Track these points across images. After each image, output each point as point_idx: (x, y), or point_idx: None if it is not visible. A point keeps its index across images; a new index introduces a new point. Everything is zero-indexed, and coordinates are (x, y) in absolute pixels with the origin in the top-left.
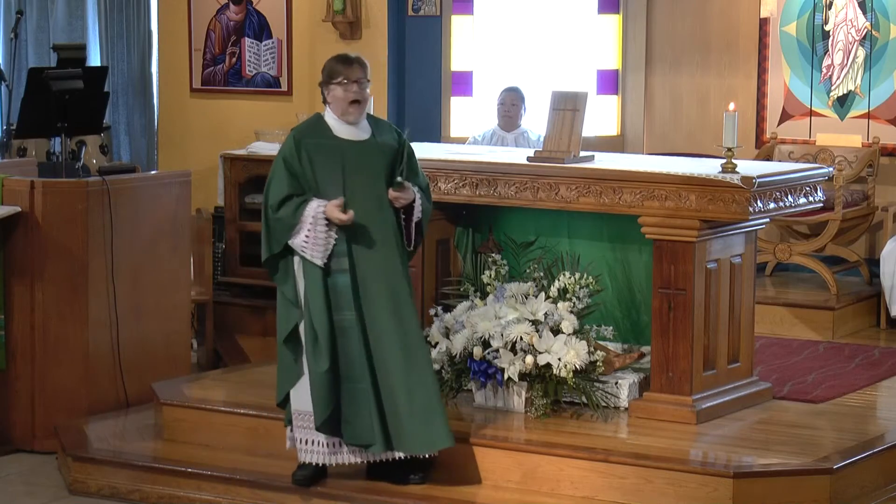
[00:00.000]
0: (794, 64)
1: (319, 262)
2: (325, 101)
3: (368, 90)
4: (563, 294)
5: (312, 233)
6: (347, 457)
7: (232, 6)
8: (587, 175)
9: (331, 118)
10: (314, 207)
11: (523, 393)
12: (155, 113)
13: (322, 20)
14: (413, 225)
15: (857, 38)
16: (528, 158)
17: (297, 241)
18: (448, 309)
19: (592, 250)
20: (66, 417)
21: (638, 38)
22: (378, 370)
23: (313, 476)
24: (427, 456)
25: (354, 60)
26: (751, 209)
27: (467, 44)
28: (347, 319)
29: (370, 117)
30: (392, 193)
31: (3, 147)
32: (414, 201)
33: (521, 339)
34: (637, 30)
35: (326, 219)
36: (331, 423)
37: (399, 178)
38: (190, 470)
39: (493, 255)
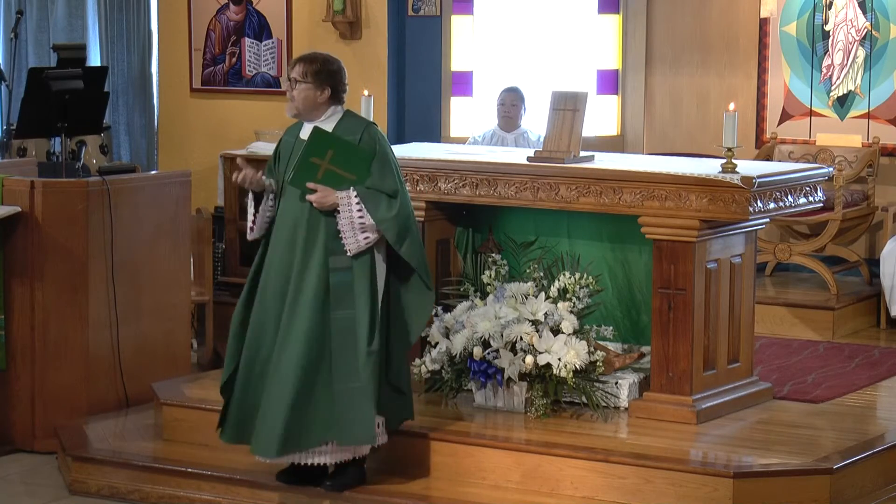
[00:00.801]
0: (794, 64)
1: (251, 234)
2: None
3: (305, 88)
4: (563, 294)
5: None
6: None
7: (232, 6)
8: (587, 175)
9: None
10: None
11: (523, 393)
12: (155, 113)
13: (322, 20)
14: (344, 228)
15: (857, 38)
16: (528, 158)
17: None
18: (448, 309)
19: (592, 250)
20: (66, 417)
21: (638, 38)
22: (250, 365)
23: (288, 473)
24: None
25: (297, 60)
26: (751, 209)
27: (467, 44)
28: (252, 312)
29: (349, 116)
30: (307, 196)
31: (3, 147)
32: (339, 204)
33: (521, 339)
34: (637, 30)
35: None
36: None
37: (287, 178)
38: (190, 470)
39: (493, 255)
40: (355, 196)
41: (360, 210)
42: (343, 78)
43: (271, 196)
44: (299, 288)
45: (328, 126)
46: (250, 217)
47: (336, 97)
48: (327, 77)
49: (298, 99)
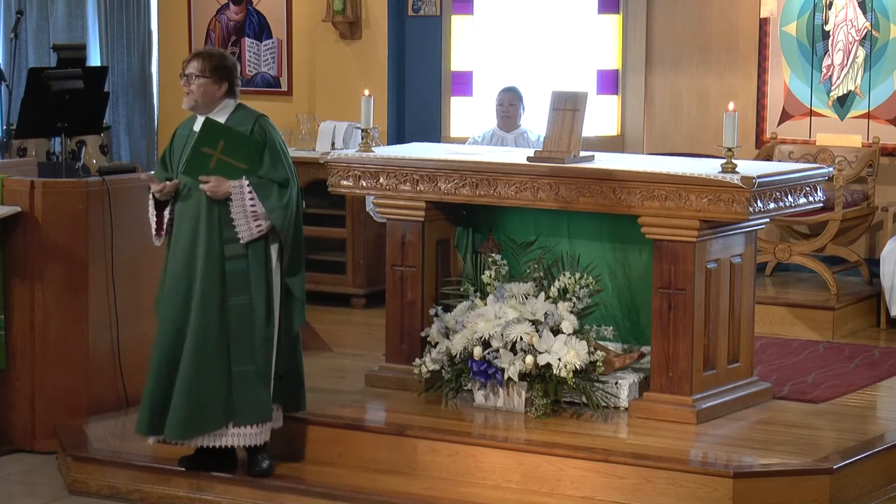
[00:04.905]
0: (794, 64)
1: (154, 241)
2: None
3: (204, 83)
4: (563, 294)
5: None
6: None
7: (232, 6)
8: (587, 175)
9: None
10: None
11: (523, 393)
12: (155, 113)
13: (322, 20)
14: (236, 217)
15: (857, 38)
16: (528, 158)
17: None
18: (448, 309)
19: (592, 250)
20: (66, 417)
21: (638, 38)
22: (153, 354)
23: (192, 459)
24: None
25: (193, 56)
26: (751, 209)
27: (467, 44)
28: (161, 306)
29: (241, 108)
30: (201, 185)
31: (3, 147)
32: (232, 193)
33: (521, 339)
34: (637, 30)
35: (153, 197)
36: None
37: (181, 169)
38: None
39: (493, 255)
40: (248, 185)
41: (252, 198)
42: (238, 73)
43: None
44: (198, 277)
45: (220, 118)
46: (154, 224)
47: (231, 91)
48: (225, 73)
49: (197, 93)
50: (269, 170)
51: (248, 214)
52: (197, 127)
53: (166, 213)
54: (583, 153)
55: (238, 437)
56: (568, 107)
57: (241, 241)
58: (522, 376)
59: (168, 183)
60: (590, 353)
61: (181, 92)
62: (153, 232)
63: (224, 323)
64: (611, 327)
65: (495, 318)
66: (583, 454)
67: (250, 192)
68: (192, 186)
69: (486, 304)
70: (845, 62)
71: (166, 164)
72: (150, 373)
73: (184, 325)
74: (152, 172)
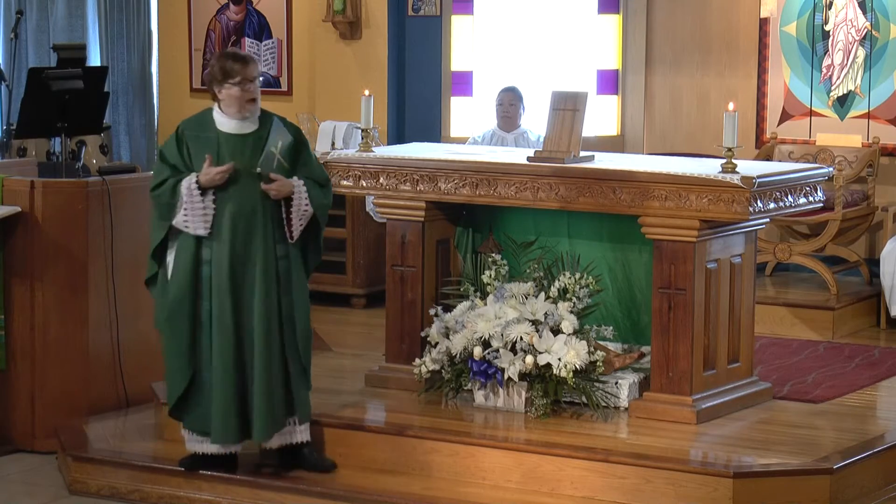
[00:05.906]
0: (794, 64)
1: (203, 232)
2: (214, 98)
3: (258, 85)
4: (563, 294)
5: (189, 204)
6: (208, 447)
7: (232, 6)
8: (587, 175)
9: (217, 113)
10: (187, 180)
11: (523, 393)
12: (155, 113)
13: (322, 20)
14: (293, 216)
15: (857, 38)
16: (528, 158)
17: (178, 220)
18: (448, 309)
19: (592, 250)
20: (66, 417)
21: (638, 38)
22: (218, 361)
23: (194, 459)
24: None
25: (243, 59)
26: (751, 209)
27: (467, 44)
28: (205, 309)
29: (261, 112)
30: (263, 185)
31: (3, 147)
32: (293, 193)
33: (521, 339)
34: (637, 30)
35: (200, 187)
36: (177, 409)
37: (258, 169)
38: None
39: (493, 255)
40: (303, 185)
41: (306, 198)
42: None
43: (212, 192)
44: (258, 277)
45: (254, 119)
46: (198, 214)
47: None
48: None
49: (258, 96)
50: (316, 169)
51: (302, 213)
52: (225, 128)
53: (209, 201)
54: (583, 153)
55: (300, 434)
56: (568, 107)
57: (293, 240)
58: (522, 376)
59: (228, 165)
60: (590, 353)
61: (181, 92)
62: (203, 227)
63: (280, 322)
64: (611, 327)
65: (495, 318)
66: (583, 454)
67: (305, 192)
68: (244, 187)
69: (486, 304)
70: (845, 62)
71: (177, 167)
72: (217, 380)
73: (244, 325)
74: (206, 163)
